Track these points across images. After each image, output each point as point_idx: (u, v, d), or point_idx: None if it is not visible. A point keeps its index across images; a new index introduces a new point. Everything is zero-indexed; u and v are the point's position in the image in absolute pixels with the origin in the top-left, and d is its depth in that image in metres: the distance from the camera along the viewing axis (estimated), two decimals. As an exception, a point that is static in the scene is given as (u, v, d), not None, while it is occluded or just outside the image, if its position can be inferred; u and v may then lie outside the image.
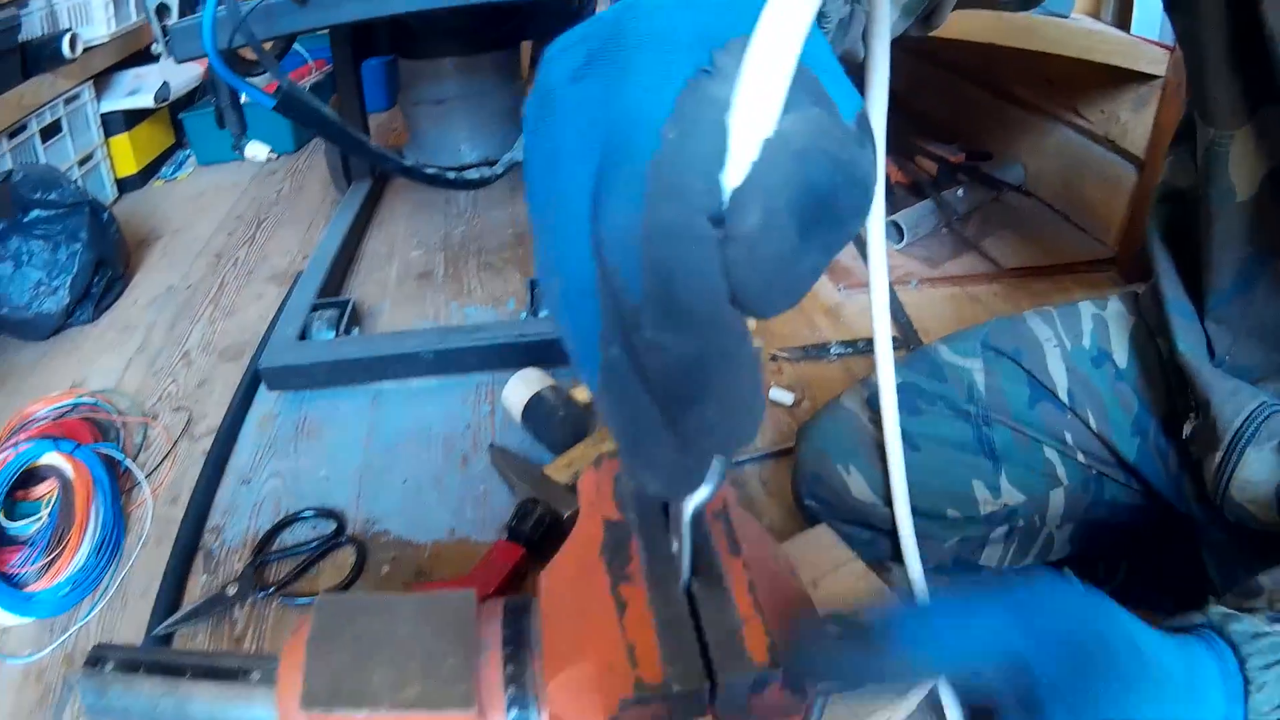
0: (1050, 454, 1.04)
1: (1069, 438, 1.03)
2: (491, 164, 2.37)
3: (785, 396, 1.69)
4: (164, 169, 3.28)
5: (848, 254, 2.17)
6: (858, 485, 1.05)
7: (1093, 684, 0.47)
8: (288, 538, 1.47)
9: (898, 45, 0.75)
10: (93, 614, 1.37)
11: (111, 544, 1.46)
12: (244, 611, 1.33)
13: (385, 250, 2.53)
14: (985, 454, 1.04)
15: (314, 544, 1.43)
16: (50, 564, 1.39)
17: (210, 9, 1.52)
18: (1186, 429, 0.91)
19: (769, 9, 0.28)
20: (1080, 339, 1.05)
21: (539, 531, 1.35)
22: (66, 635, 1.33)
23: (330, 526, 1.46)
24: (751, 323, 0.33)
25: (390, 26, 2.62)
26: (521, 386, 1.62)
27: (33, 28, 2.61)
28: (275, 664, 0.55)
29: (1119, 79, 1.99)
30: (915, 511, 0.98)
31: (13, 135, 2.48)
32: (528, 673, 0.50)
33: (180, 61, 1.79)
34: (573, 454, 1.52)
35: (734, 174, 0.28)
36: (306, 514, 1.50)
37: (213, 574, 1.42)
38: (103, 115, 2.94)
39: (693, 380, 0.32)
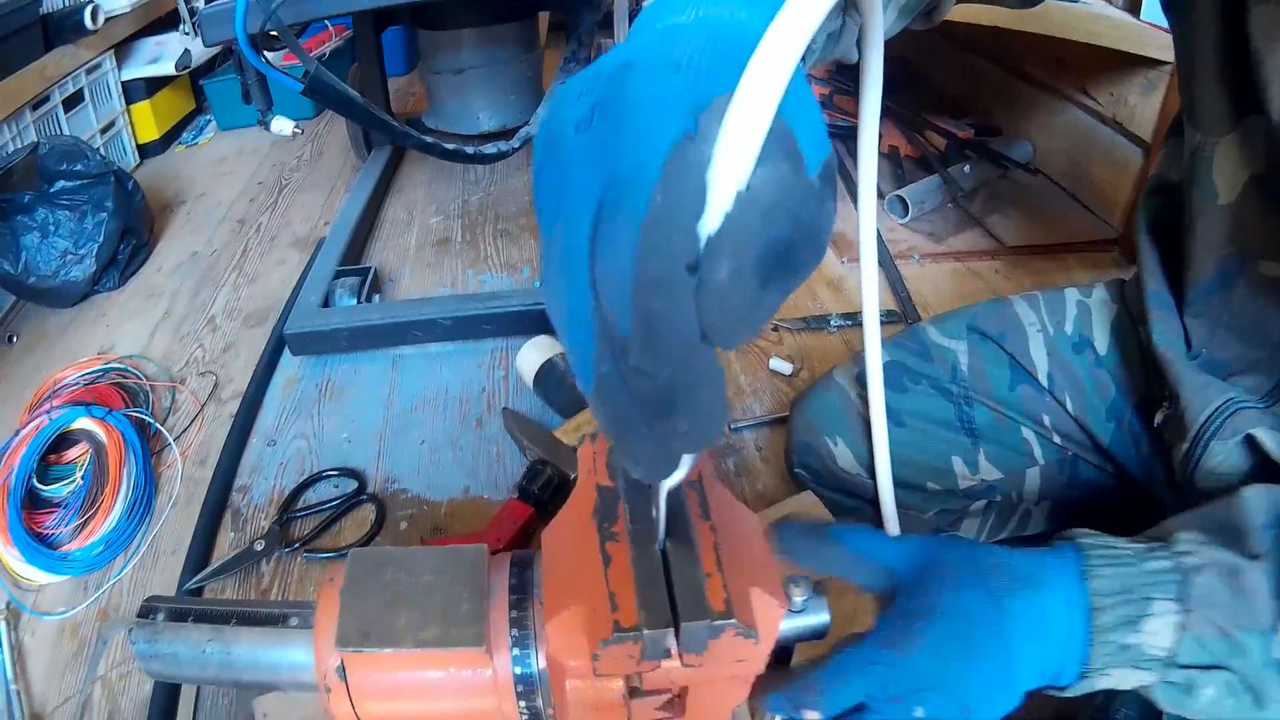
0: (1028, 434, 1.07)
1: (1047, 420, 1.06)
2: (508, 136, 2.40)
3: (784, 366, 1.74)
4: (185, 134, 3.32)
5: (851, 227, 2.19)
6: (844, 456, 1.10)
7: (929, 580, 0.62)
8: (311, 496, 1.54)
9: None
10: (125, 571, 1.43)
11: (143, 504, 1.53)
12: (270, 566, 1.40)
13: (405, 217, 2.57)
14: (966, 432, 1.08)
15: (336, 502, 1.49)
16: (84, 525, 1.46)
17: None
18: (1158, 417, 0.94)
19: (750, 72, 0.33)
20: (1063, 325, 1.07)
21: (547, 491, 1.41)
22: (100, 592, 1.40)
23: (352, 485, 1.53)
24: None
25: (410, -2, 2.63)
26: (534, 353, 1.68)
27: (54, 0, 2.64)
28: (312, 610, 0.61)
29: (1129, 62, 2.00)
30: (897, 483, 1.02)
31: (36, 106, 2.52)
32: (529, 616, 0.57)
33: (210, 45, 1.82)
34: (581, 418, 1.57)
35: (711, 221, 0.34)
36: (329, 473, 1.56)
37: (240, 531, 1.49)
38: (124, 83, 2.97)
39: (668, 399, 0.39)
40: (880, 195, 2.26)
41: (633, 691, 0.55)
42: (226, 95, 3.22)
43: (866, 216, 0.86)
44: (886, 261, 2.08)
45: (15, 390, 1.85)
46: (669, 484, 0.50)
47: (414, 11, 2.65)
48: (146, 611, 0.65)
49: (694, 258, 0.34)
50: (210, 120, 3.39)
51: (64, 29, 2.62)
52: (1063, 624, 0.60)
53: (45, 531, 1.46)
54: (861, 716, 0.59)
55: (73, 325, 2.13)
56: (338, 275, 2.05)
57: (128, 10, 2.92)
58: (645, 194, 0.34)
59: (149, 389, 1.82)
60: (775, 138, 0.34)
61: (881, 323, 0.97)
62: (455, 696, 0.58)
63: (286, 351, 1.91)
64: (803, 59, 0.34)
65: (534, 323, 1.83)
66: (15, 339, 2.08)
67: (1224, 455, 0.84)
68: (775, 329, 1.87)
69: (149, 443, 1.65)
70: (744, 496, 1.45)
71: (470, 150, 2.25)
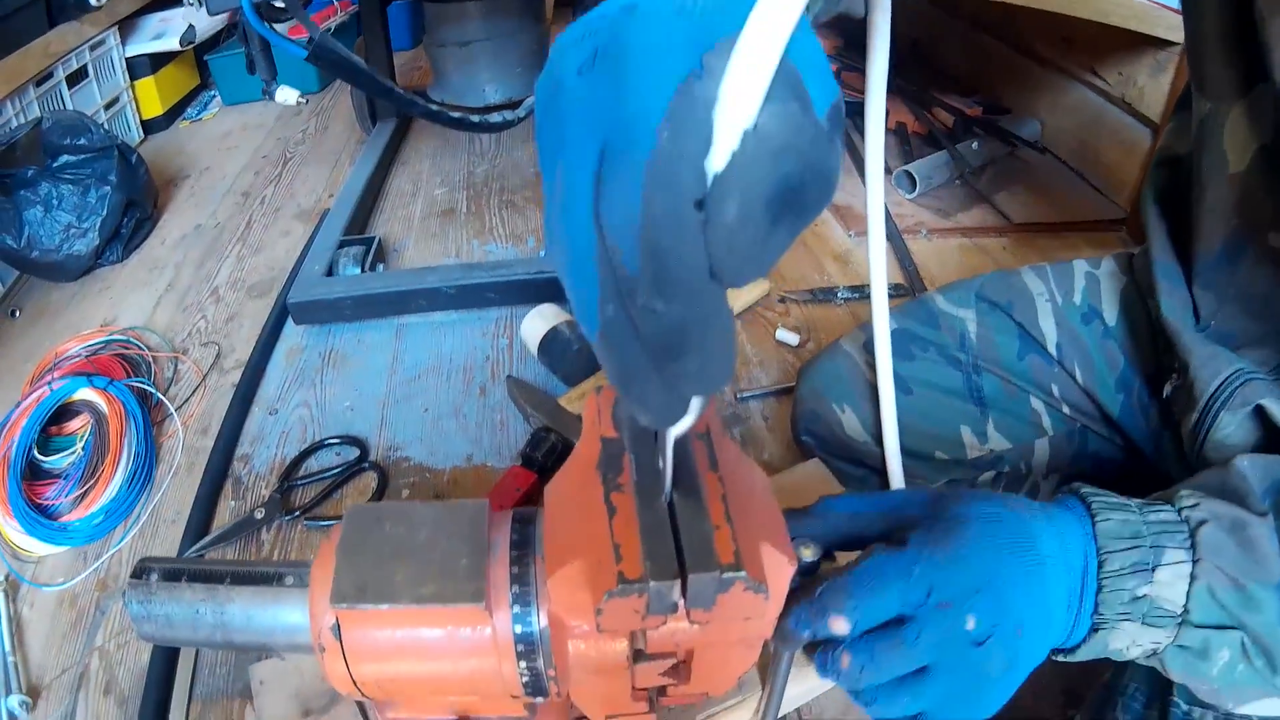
0: (1037, 404, 1.07)
1: (1055, 390, 1.05)
2: (514, 106, 2.39)
3: (791, 337, 1.74)
4: (189, 110, 3.30)
5: (859, 201, 2.20)
6: (851, 424, 1.10)
7: (949, 503, 0.60)
8: (313, 464, 1.53)
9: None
10: (125, 541, 1.43)
11: (143, 474, 1.52)
12: (270, 534, 1.40)
13: (410, 188, 2.56)
14: (974, 401, 1.07)
15: (338, 469, 1.49)
16: (84, 495, 1.45)
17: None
18: (1167, 389, 0.93)
19: (756, 12, 0.32)
20: (1071, 295, 1.07)
21: (552, 458, 1.41)
22: (99, 562, 1.39)
23: (354, 453, 1.52)
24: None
25: (417, -32, 2.61)
26: (539, 321, 1.68)
27: (59, -24, 2.62)
28: (308, 569, 0.61)
29: (1138, 42, 1.98)
30: (904, 451, 1.02)
31: (40, 83, 2.51)
32: (530, 573, 0.56)
33: (214, 14, 1.82)
34: (586, 386, 1.57)
35: (717, 160, 0.33)
36: (331, 441, 1.56)
37: (241, 500, 1.48)
38: (128, 59, 2.96)
39: (678, 338, 0.38)
40: (888, 170, 2.25)
41: (637, 655, 0.54)
42: (231, 70, 3.22)
43: (874, 162, 0.84)
44: (894, 236, 2.07)
45: (18, 364, 1.84)
46: (676, 431, 0.48)
47: (421, -17, 2.64)
48: (140, 572, 0.64)
49: (701, 195, 0.34)
50: (215, 96, 3.38)
51: (67, 5, 2.61)
52: (1079, 557, 0.59)
53: (45, 503, 1.45)
54: (900, 631, 0.56)
55: (76, 299, 2.12)
56: (342, 245, 2.04)
57: (133, -15, 2.90)
58: (651, 133, 0.34)
59: (151, 360, 1.81)
60: (782, 79, 0.33)
61: (889, 296, 0.96)
62: (453, 657, 0.56)
63: (290, 321, 1.91)
64: (806, 8, 0.33)
65: (539, 291, 1.82)
66: (18, 314, 2.07)
67: (1233, 426, 0.83)
68: (782, 300, 1.87)
69: (151, 413, 1.65)
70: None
71: (476, 118, 2.24)
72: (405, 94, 2.05)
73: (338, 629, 0.55)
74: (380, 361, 1.78)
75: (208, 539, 1.37)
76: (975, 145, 2.32)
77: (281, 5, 1.74)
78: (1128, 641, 0.59)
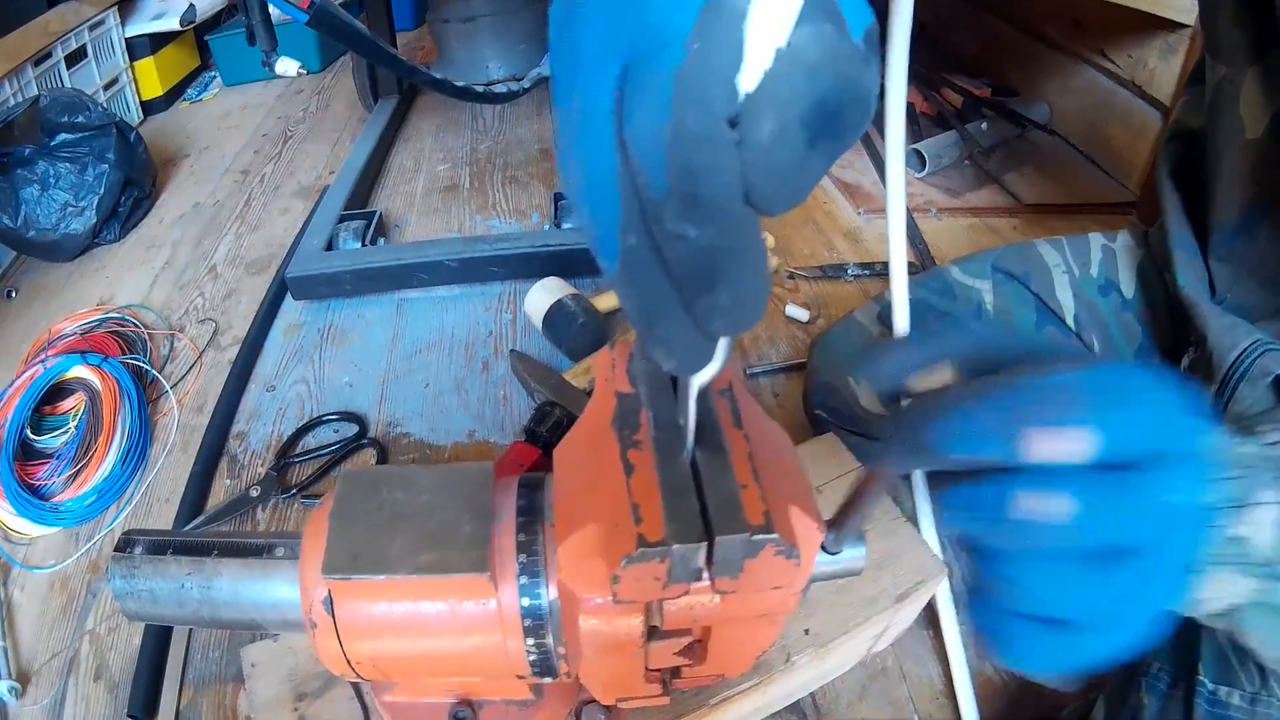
0: None
1: None
2: (518, 80, 2.37)
3: (801, 313, 1.71)
4: (189, 90, 3.27)
5: (868, 180, 2.19)
6: (867, 396, 1.07)
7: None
8: (311, 441, 1.50)
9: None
10: (118, 520, 1.40)
11: (138, 452, 1.49)
12: (266, 513, 1.37)
13: (412, 164, 2.53)
14: (991, 373, 1.04)
15: (336, 446, 1.46)
16: (76, 474, 1.42)
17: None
18: (1185, 361, 0.92)
19: None
20: (1089, 268, 1.06)
21: (556, 434, 1.36)
22: (92, 543, 1.36)
23: (352, 429, 1.49)
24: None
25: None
26: (543, 294, 1.65)
27: (58, -44, 2.59)
28: (299, 540, 0.57)
29: (1148, 25, 1.95)
30: (924, 425, 0.99)
31: (38, 63, 2.47)
32: (539, 541, 0.52)
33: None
34: (591, 361, 1.54)
35: (748, 78, 0.31)
36: (329, 417, 1.53)
37: (236, 478, 1.45)
38: (128, 39, 2.93)
39: (708, 268, 0.35)
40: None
41: (651, 632, 0.50)
42: (232, 51, 3.19)
43: (893, 142, 0.80)
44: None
45: (14, 345, 1.81)
46: (700, 381, 0.44)
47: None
48: (125, 545, 0.60)
49: (733, 113, 0.31)
50: (215, 76, 3.35)
51: (67, -15, 2.57)
52: None
53: (38, 483, 1.42)
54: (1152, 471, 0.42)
55: (72, 278, 2.09)
56: (342, 219, 2.01)
57: (133, -35, 2.87)
58: (681, 44, 0.31)
59: (147, 337, 1.78)
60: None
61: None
62: (455, 632, 0.53)
63: (288, 297, 1.88)
64: None
65: (543, 265, 1.79)
66: (15, 294, 2.04)
67: (1253, 399, 0.82)
68: (791, 276, 1.85)
69: (146, 390, 1.62)
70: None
71: (480, 89, 2.22)
72: (408, 62, 2.03)
73: (330, 602, 0.52)
74: (381, 337, 1.75)
75: (202, 517, 1.34)
76: (984, 126, 2.29)
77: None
78: (1212, 591, 0.49)
